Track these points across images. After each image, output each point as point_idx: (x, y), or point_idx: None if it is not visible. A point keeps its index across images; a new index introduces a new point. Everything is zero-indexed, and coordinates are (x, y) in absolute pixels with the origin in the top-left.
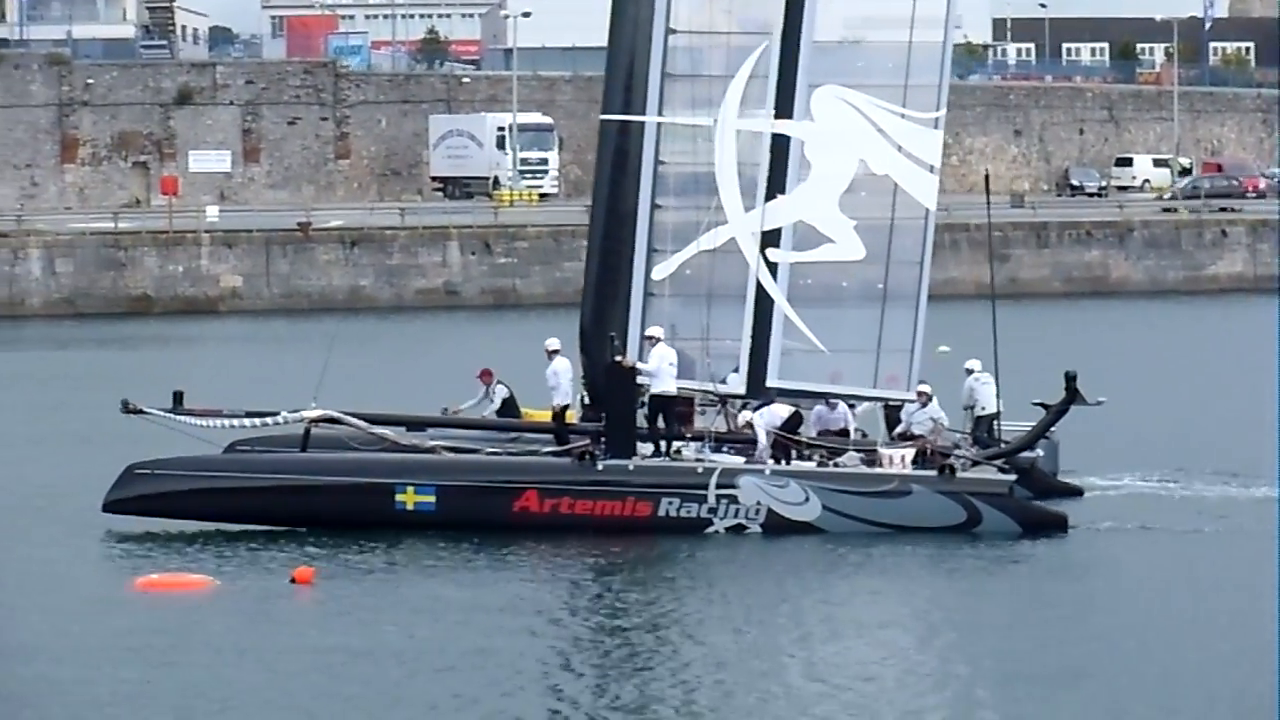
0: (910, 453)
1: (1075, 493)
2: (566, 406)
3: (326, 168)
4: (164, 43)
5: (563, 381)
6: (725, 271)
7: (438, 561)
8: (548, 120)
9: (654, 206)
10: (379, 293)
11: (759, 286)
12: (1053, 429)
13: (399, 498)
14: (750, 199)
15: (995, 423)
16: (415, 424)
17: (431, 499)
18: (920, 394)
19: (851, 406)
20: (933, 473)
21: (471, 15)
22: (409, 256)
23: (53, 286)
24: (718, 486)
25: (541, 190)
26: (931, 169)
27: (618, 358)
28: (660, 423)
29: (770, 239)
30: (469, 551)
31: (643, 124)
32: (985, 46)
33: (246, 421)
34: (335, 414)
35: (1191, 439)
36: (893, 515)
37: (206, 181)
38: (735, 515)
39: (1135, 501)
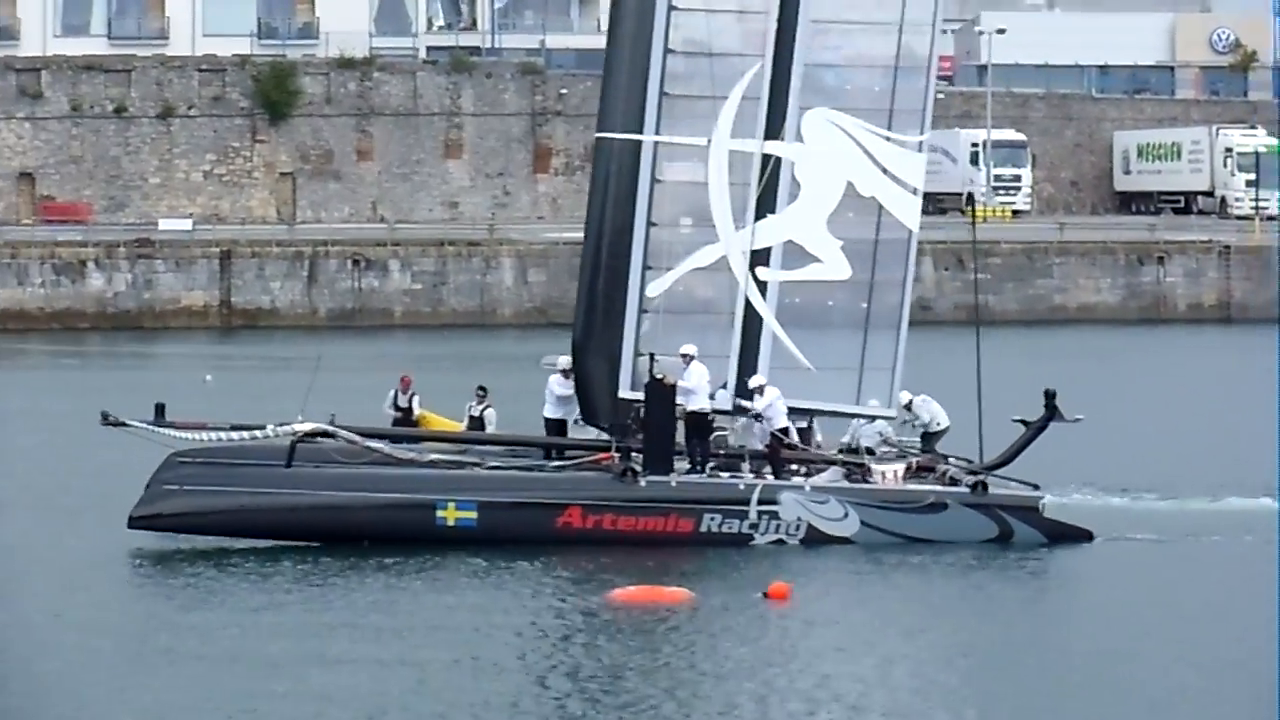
0: (901, 467)
1: None
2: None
3: None
4: None
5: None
6: (716, 289)
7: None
8: (1021, 137)
9: (649, 224)
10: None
11: (747, 304)
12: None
13: (440, 514)
14: (741, 218)
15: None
16: (409, 439)
17: (473, 515)
18: (905, 405)
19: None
20: (965, 489)
21: (945, 31)
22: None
23: (524, 296)
24: (759, 502)
25: (1015, 207)
26: (915, 191)
27: (658, 375)
28: (696, 440)
29: (759, 258)
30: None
31: (638, 142)
32: None
33: (234, 435)
34: (326, 427)
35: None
36: (928, 530)
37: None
38: (776, 530)
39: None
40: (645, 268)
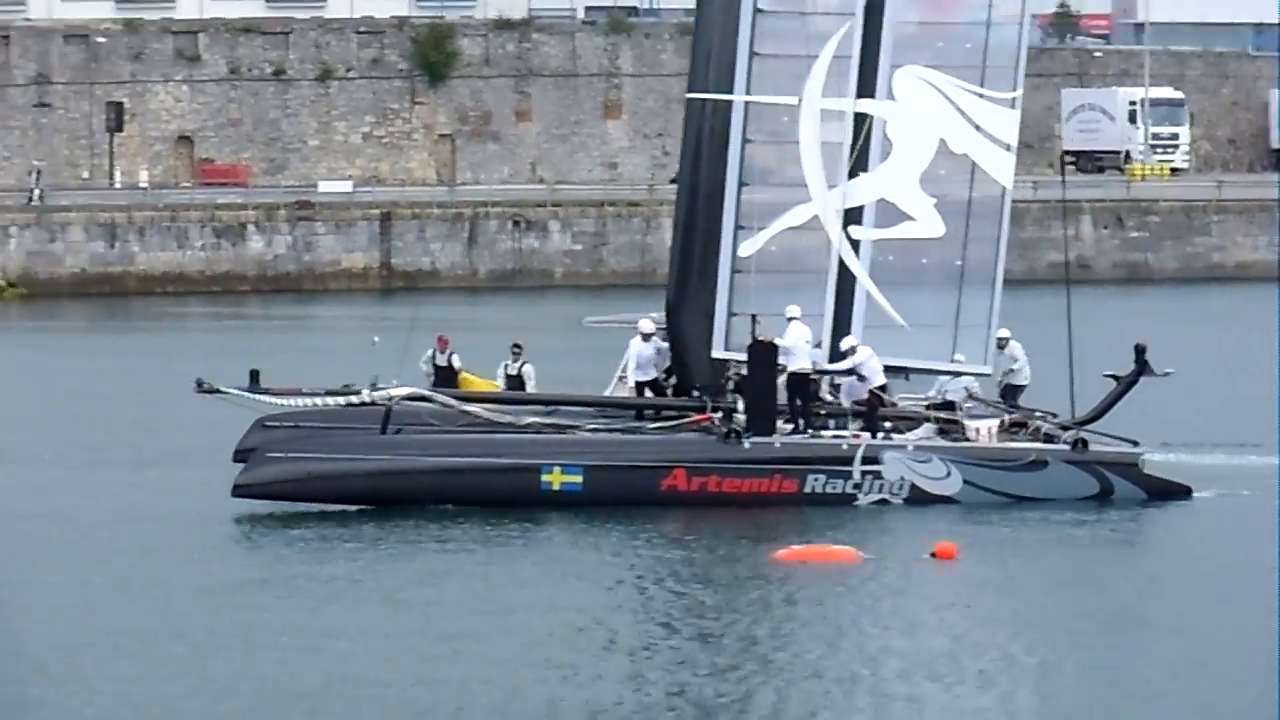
0: (995, 424)
1: None
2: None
3: None
4: None
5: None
6: (808, 248)
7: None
8: (1179, 95)
9: (741, 184)
10: (1011, 265)
11: (841, 263)
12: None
13: (545, 478)
14: (833, 177)
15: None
16: (508, 402)
17: (578, 479)
18: (1000, 340)
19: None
20: (1065, 446)
21: None
22: (1041, 230)
23: None
24: (863, 462)
25: (1173, 165)
26: (1008, 148)
27: (759, 336)
28: (798, 400)
29: (852, 216)
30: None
31: (729, 103)
32: None
33: (330, 400)
34: (424, 391)
35: None
36: (1030, 488)
37: None
38: (880, 490)
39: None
40: (738, 228)
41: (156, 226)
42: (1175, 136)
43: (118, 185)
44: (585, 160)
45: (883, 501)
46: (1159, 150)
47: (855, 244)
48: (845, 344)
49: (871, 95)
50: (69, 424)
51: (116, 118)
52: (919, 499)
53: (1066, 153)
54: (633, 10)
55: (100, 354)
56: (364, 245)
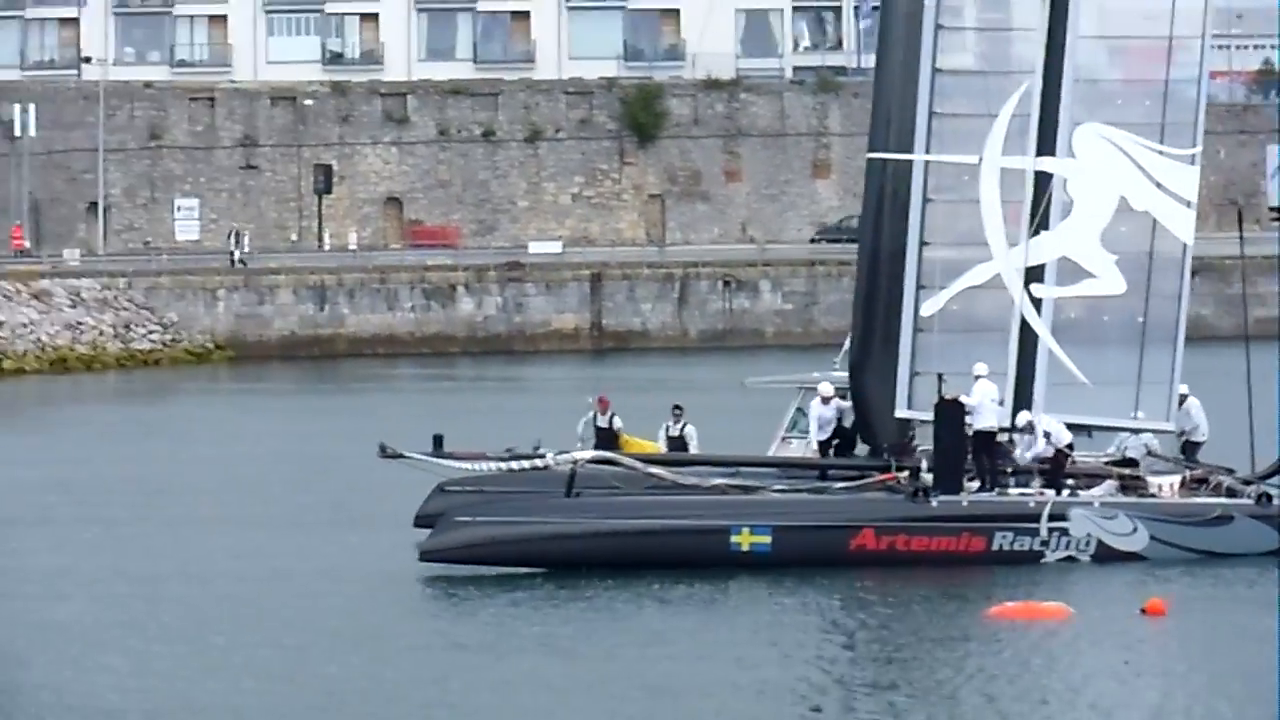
0: (1177, 480)
1: None
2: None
3: None
4: None
5: None
6: (990, 307)
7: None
8: None
9: (922, 243)
10: (1219, 321)
11: (1023, 321)
12: None
13: (734, 539)
14: (1014, 236)
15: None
16: (689, 463)
17: (767, 540)
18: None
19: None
20: (1249, 500)
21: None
22: (1249, 286)
23: None
24: (1050, 519)
25: None
26: (1189, 204)
27: (946, 394)
28: (984, 458)
29: (1034, 274)
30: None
31: (909, 162)
32: None
33: (514, 464)
34: (608, 454)
35: None
36: (1216, 543)
37: None
38: (1067, 547)
39: None
40: (919, 287)
41: (366, 288)
42: None
43: (326, 247)
44: (795, 219)
45: (1070, 558)
46: None
47: (1037, 302)
48: (1021, 420)
49: (1052, 153)
50: (261, 487)
51: (325, 180)
52: (1106, 555)
53: (1273, 209)
54: (841, 70)
55: (303, 416)
56: (574, 306)
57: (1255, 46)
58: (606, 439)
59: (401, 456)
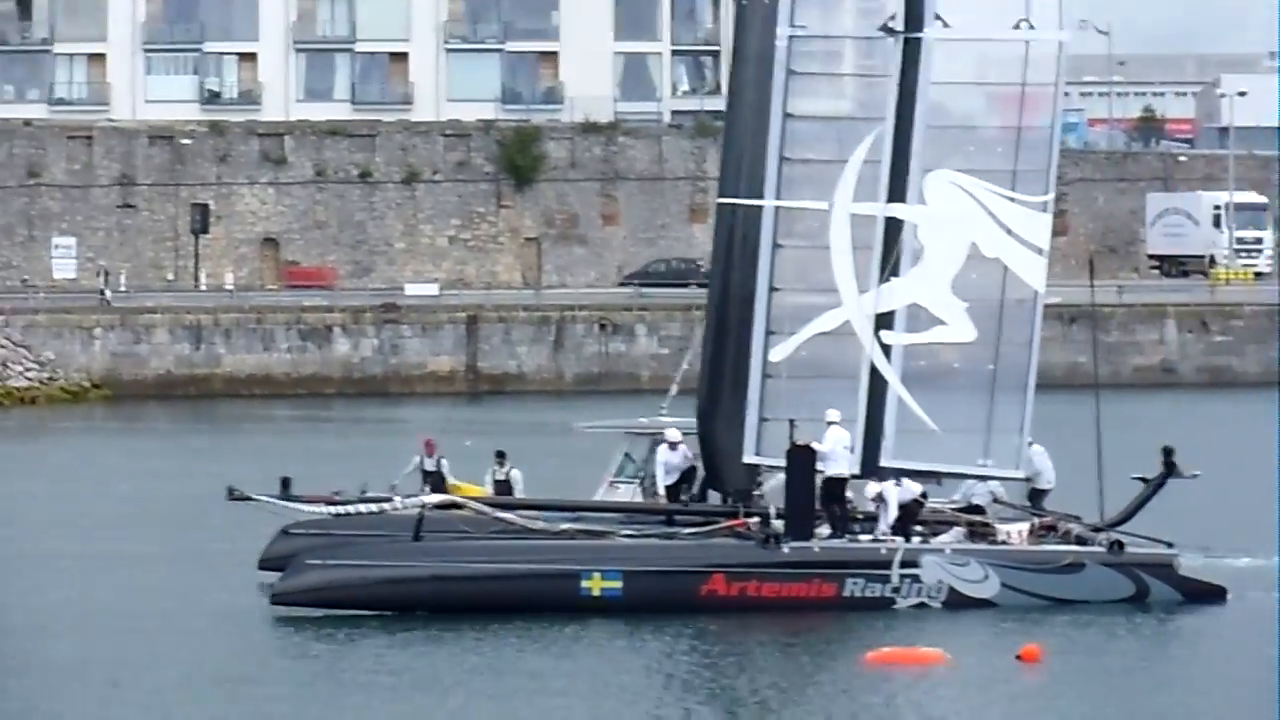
0: (1026, 527)
1: None
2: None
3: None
4: None
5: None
6: (840, 353)
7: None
8: (1262, 199)
9: (771, 289)
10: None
11: (873, 368)
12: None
13: (585, 584)
14: (864, 282)
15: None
16: (539, 507)
17: (618, 584)
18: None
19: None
20: (1101, 548)
21: (1185, 94)
22: (1126, 334)
23: None
24: (901, 565)
25: (1257, 269)
26: (1040, 251)
27: (798, 440)
28: (835, 505)
29: (884, 321)
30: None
31: (760, 207)
32: None
33: (361, 507)
34: (455, 498)
35: None
36: (1068, 591)
37: None
38: (919, 594)
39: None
40: (768, 333)
41: (242, 328)
42: (1259, 240)
43: (203, 287)
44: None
45: (921, 605)
46: (1243, 254)
47: (887, 349)
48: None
49: (903, 199)
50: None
51: (202, 219)
52: (957, 602)
53: (1151, 256)
54: (719, 114)
55: (175, 455)
56: (450, 348)
57: (1136, 94)
58: (434, 483)
59: (249, 499)
